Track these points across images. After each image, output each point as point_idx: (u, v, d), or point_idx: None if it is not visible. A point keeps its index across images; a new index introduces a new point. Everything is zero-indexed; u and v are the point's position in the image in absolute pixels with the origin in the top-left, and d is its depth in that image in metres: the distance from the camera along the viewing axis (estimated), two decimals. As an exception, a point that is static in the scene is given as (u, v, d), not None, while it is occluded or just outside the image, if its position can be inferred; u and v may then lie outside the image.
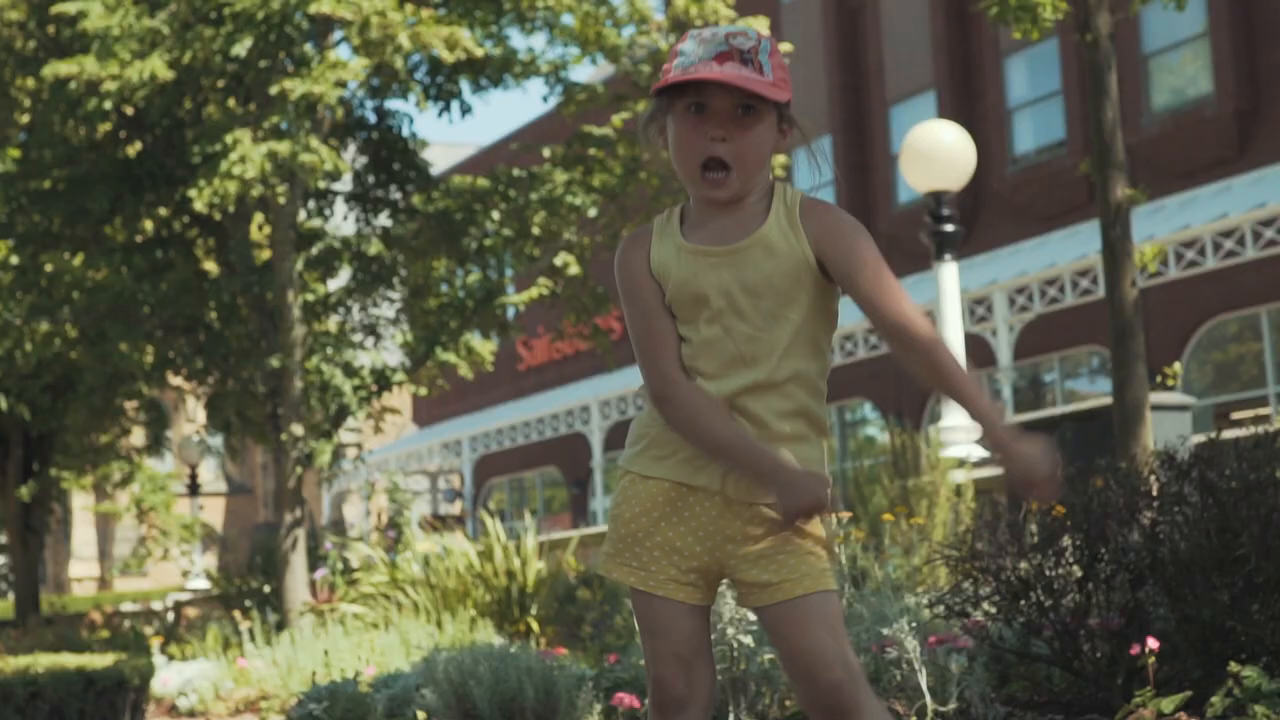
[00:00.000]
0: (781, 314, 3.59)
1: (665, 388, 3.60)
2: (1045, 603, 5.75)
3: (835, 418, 33.54)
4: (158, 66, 16.11)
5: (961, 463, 14.03)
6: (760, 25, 18.01)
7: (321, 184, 18.99)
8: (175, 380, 21.95)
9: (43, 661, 14.03)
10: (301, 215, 19.07)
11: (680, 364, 3.62)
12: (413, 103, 19.22)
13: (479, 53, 17.21)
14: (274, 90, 16.35)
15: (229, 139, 16.08)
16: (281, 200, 17.46)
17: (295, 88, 16.10)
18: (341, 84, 16.76)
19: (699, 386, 3.59)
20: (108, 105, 16.52)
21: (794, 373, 3.61)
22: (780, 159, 18.19)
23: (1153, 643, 5.36)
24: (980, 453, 16.62)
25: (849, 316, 27.95)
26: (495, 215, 18.92)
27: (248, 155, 15.89)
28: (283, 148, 16.03)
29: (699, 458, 3.61)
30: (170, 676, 14.52)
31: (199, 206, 16.16)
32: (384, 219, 20.10)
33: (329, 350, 18.62)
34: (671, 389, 3.60)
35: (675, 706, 3.65)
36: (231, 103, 17.78)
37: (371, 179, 20.06)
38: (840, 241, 3.57)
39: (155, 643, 18.44)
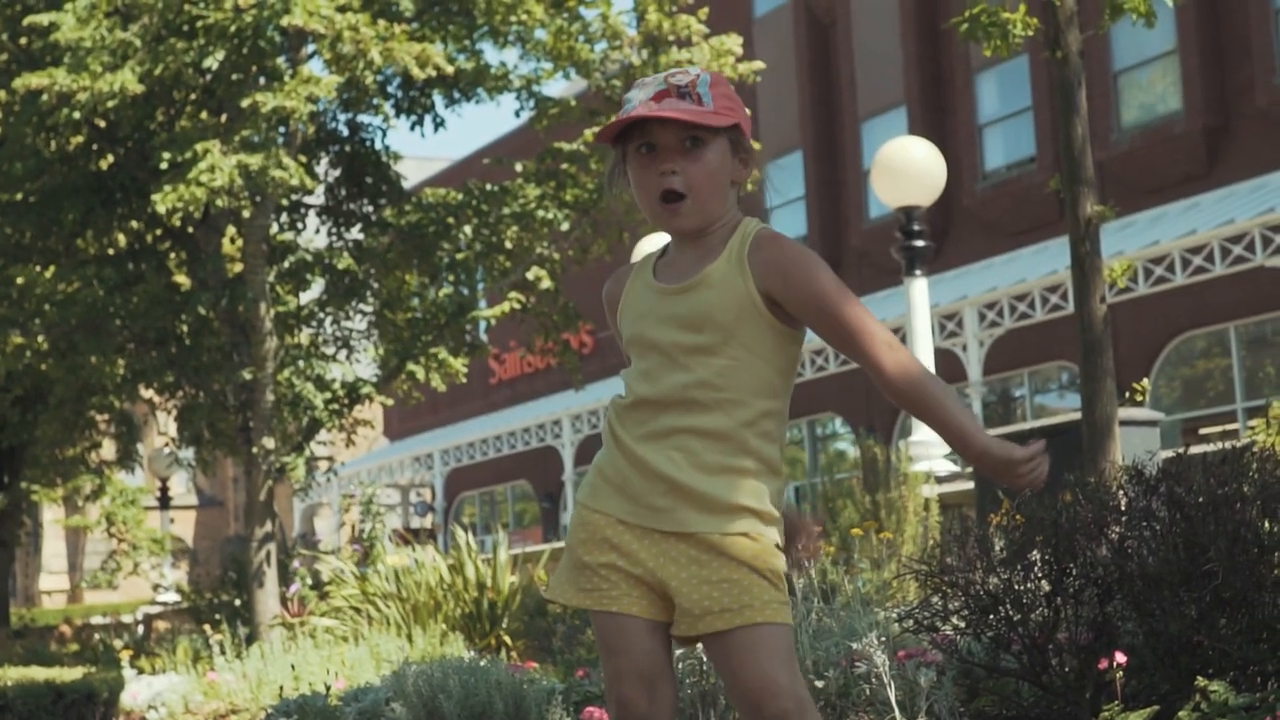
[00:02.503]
0: (722, 349, 3.62)
1: None
2: (1014, 617, 5.78)
3: (805, 432, 33.60)
4: (128, 80, 16.07)
5: (930, 477, 14.07)
6: (732, 42, 18.06)
7: (293, 196, 18.96)
8: (146, 393, 21.89)
9: (11, 674, 14.00)
10: (274, 228, 19.04)
11: None
12: (380, 120, 19.27)
13: (449, 69, 17.22)
14: (245, 103, 16.32)
15: (199, 148, 16.04)
16: (246, 214, 17.45)
17: (266, 101, 16.08)
18: (313, 99, 16.74)
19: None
20: (77, 115, 16.48)
21: (735, 404, 3.63)
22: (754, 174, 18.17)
23: (1121, 657, 5.38)
24: (949, 467, 16.67)
25: (820, 331, 27.95)
26: (467, 229, 18.92)
27: (218, 165, 15.86)
28: (254, 160, 16.00)
29: (631, 490, 3.67)
30: (140, 689, 14.47)
31: (160, 210, 16.06)
32: (356, 232, 20.08)
33: (300, 363, 18.59)
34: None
35: None
36: (204, 115, 17.75)
37: (343, 192, 20.03)
38: (793, 275, 3.61)
39: (125, 656, 18.39)
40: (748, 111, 3.79)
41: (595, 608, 3.68)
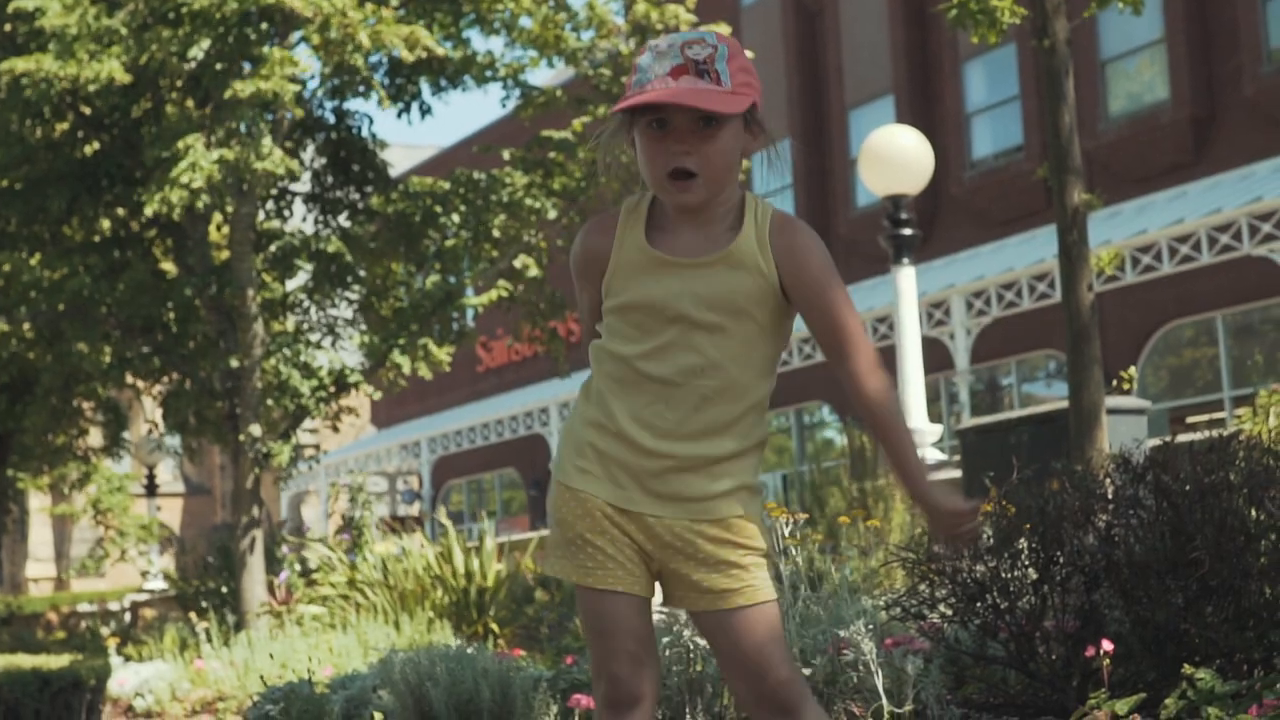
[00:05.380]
0: (738, 330, 3.61)
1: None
2: (1001, 605, 5.78)
3: (793, 420, 33.60)
4: (114, 68, 16.04)
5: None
6: (720, 30, 18.03)
7: (279, 184, 18.93)
8: (133, 380, 21.85)
9: (-2, 662, 13.97)
10: (260, 215, 19.01)
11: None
12: (375, 102, 19.25)
13: (440, 51, 17.19)
14: (227, 94, 16.26)
15: (182, 144, 16.00)
16: (229, 209, 17.46)
17: (245, 88, 16.00)
18: (296, 80, 16.68)
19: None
20: (61, 87, 16.41)
21: (743, 388, 3.64)
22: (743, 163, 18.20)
23: (1107, 645, 5.38)
24: (936, 456, 16.69)
25: (807, 319, 27.95)
26: (455, 217, 18.89)
27: (198, 163, 15.82)
28: (232, 154, 15.97)
29: (625, 476, 3.66)
30: (127, 677, 14.47)
31: (148, 212, 16.10)
32: (343, 220, 20.04)
33: (287, 350, 18.56)
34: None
35: (630, 703, 3.69)
36: (190, 104, 17.71)
37: (330, 179, 19.99)
38: (807, 267, 3.62)
39: (112, 643, 18.38)
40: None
41: (595, 585, 3.68)
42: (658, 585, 3.75)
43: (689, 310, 3.60)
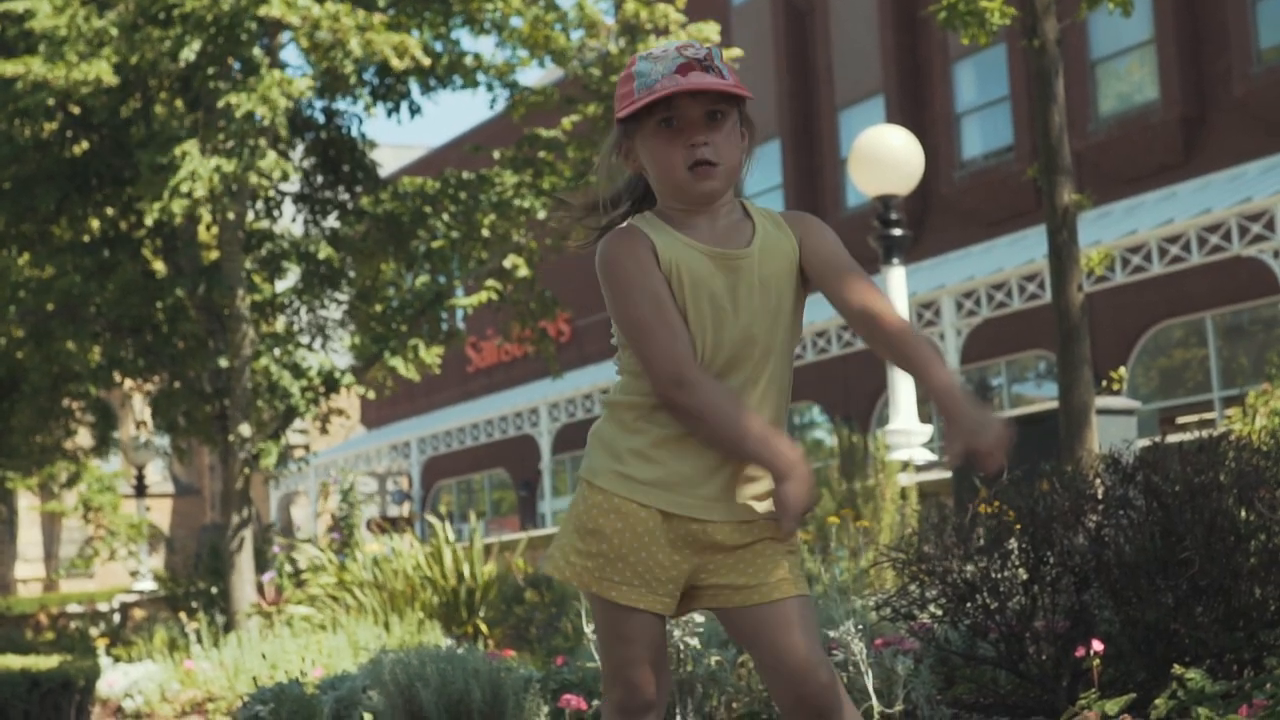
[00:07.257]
0: (780, 318, 3.67)
1: (684, 373, 3.56)
2: (991, 605, 5.78)
3: (783, 421, 33.55)
4: (103, 70, 16.01)
5: (908, 465, 14.08)
6: (710, 30, 18.03)
7: (267, 185, 18.93)
8: (122, 380, 21.81)
9: (-13, 663, 13.93)
10: (249, 216, 18.99)
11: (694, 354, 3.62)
12: (361, 107, 19.22)
13: (426, 62, 17.22)
14: (221, 104, 16.23)
15: (178, 151, 15.98)
16: (230, 216, 17.45)
17: (241, 103, 15.98)
18: (290, 97, 16.67)
19: (712, 377, 3.61)
20: (51, 101, 16.41)
21: (782, 373, 3.69)
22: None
23: (1097, 645, 5.39)
24: (926, 456, 16.69)
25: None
26: (445, 217, 18.86)
27: (198, 173, 15.80)
28: (230, 166, 15.95)
29: (684, 486, 3.64)
30: (116, 678, 14.45)
31: (149, 221, 16.13)
32: (332, 220, 20.01)
33: (277, 351, 18.53)
34: (690, 374, 3.56)
35: (643, 710, 3.73)
36: (179, 104, 17.68)
37: (319, 179, 19.96)
38: (825, 244, 3.70)
39: (101, 644, 18.35)
40: None
41: (621, 601, 3.67)
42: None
43: (740, 298, 3.63)
